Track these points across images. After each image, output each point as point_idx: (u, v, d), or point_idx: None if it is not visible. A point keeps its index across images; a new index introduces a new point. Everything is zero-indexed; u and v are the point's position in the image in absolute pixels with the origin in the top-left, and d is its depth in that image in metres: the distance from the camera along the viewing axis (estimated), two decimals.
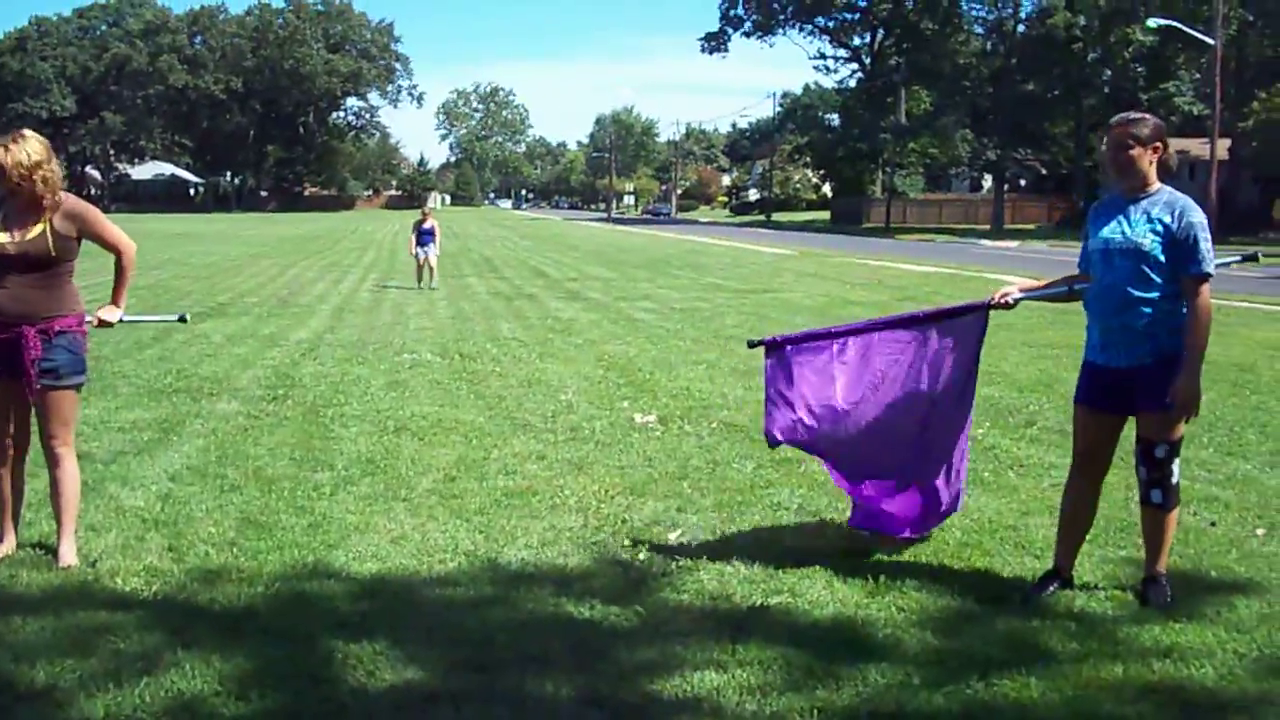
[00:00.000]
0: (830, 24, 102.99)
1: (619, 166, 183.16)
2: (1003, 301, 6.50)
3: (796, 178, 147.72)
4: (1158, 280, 5.78)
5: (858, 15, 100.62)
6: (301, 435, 10.12)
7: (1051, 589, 6.08)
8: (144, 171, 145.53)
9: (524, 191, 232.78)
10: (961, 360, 6.71)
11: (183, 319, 8.20)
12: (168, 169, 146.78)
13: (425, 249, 27.70)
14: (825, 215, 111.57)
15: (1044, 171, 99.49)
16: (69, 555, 6.46)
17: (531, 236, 67.12)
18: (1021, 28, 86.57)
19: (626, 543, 7.02)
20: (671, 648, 5.32)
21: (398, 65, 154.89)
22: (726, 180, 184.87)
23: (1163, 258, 5.76)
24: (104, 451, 9.19)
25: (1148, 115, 6.07)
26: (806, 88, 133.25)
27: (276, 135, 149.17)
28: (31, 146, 6.23)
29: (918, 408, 6.77)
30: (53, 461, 6.51)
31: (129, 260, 6.69)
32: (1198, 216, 5.78)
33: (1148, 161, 5.90)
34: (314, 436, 10.08)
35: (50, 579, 6.19)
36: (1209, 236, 5.81)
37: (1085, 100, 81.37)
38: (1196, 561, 6.70)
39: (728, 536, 7.13)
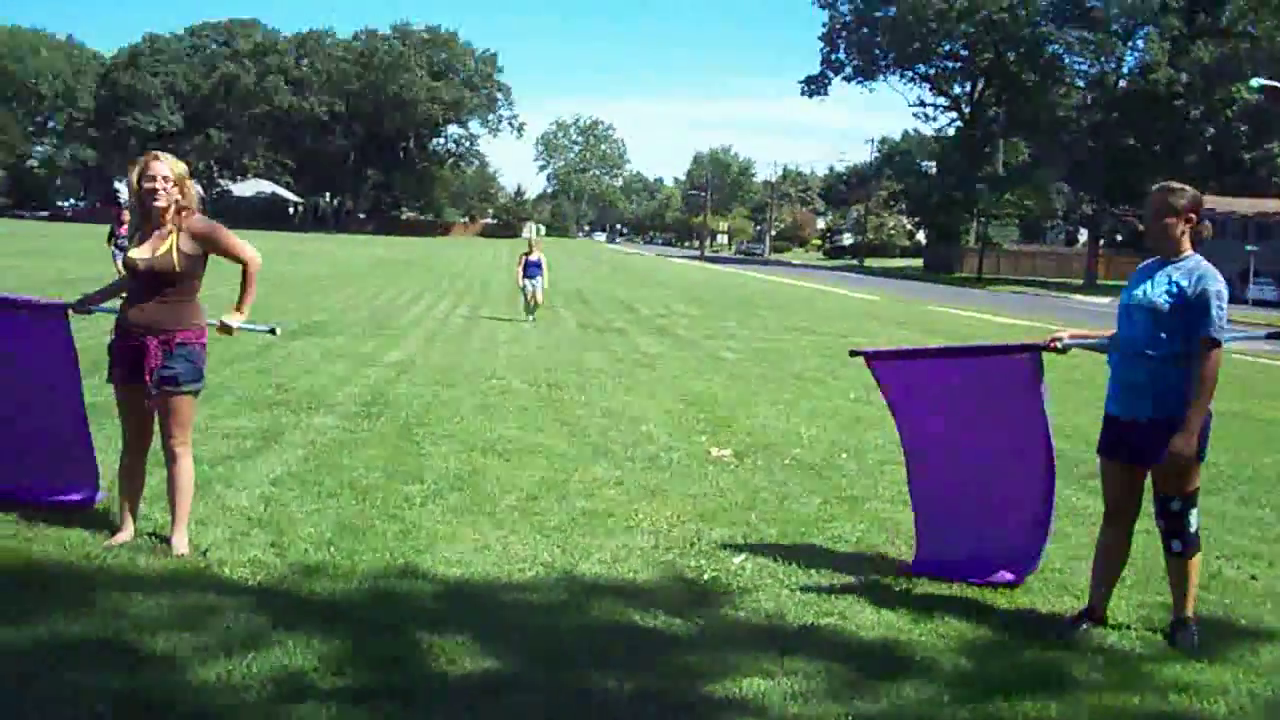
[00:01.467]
0: (931, 71, 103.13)
1: (715, 205, 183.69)
2: (1054, 345, 6.83)
3: (891, 224, 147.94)
4: (1166, 339, 6.13)
5: (959, 64, 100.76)
6: (394, 450, 10.69)
7: (1084, 626, 6.47)
8: (245, 189, 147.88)
9: (618, 226, 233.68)
10: (1023, 403, 7.02)
11: (272, 331, 8.57)
12: (268, 187, 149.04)
13: (533, 281, 27.25)
14: (918, 262, 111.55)
15: (1140, 227, 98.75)
16: (181, 545, 7.06)
17: (624, 271, 67.76)
18: (1123, 82, 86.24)
19: (693, 563, 7.50)
20: (725, 656, 5.81)
21: (499, 95, 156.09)
22: (821, 223, 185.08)
23: (1172, 318, 6.10)
24: (210, 455, 9.79)
25: (1186, 187, 6.42)
26: (905, 134, 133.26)
27: (376, 158, 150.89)
28: (173, 162, 6.91)
29: (988, 447, 7.22)
30: (170, 459, 7.12)
31: (254, 271, 7.32)
32: (1214, 285, 6.09)
33: (1180, 230, 6.26)
34: (406, 452, 10.64)
35: (165, 564, 6.79)
36: (1224, 305, 6.13)
37: (1185, 157, 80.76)
38: (1231, 610, 7.07)
39: (788, 563, 7.56)
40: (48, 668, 5.18)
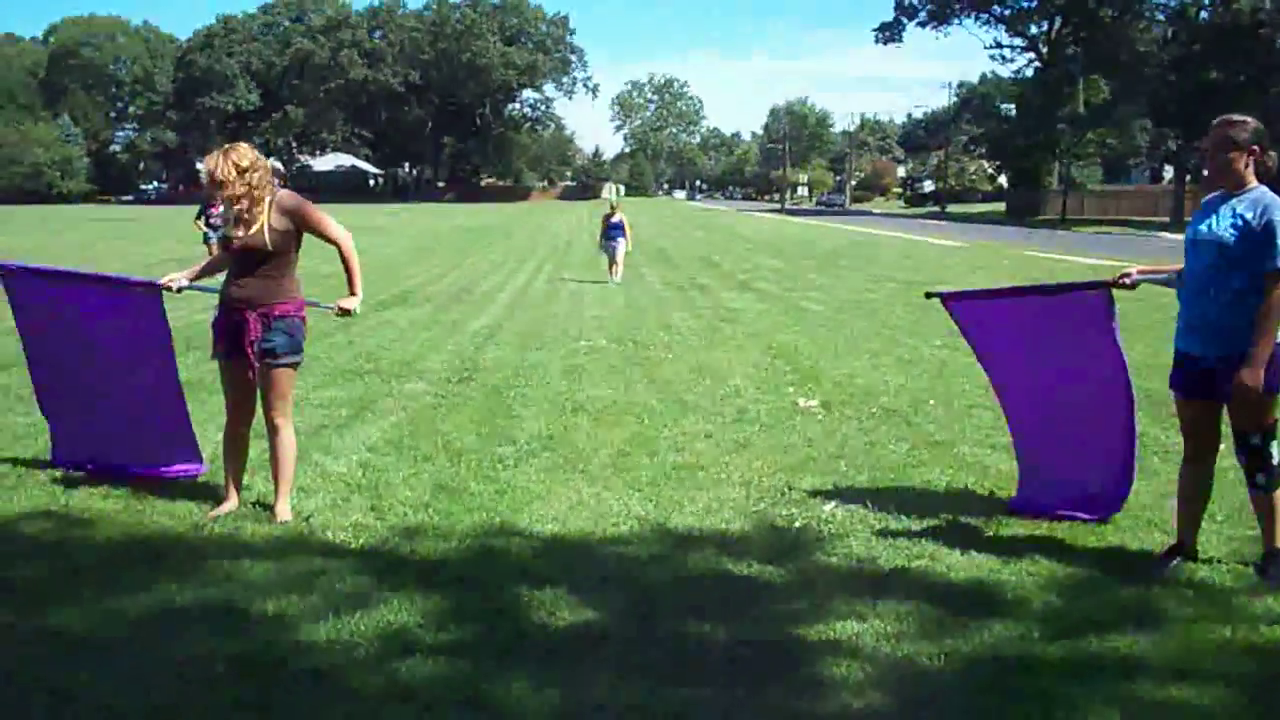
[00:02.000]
0: (1006, 12, 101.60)
1: (793, 158, 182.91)
2: (1123, 281, 6.79)
3: (972, 169, 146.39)
4: (1235, 274, 6.08)
5: (1035, 3, 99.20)
6: (485, 414, 10.87)
7: (1175, 561, 6.50)
8: (325, 163, 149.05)
9: (698, 182, 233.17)
10: (1097, 339, 7.01)
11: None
12: (348, 160, 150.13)
13: (614, 243, 27.27)
14: (1001, 207, 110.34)
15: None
16: (285, 512, 7.28)
17: (705, 227, 67.75)
18: (1205, 14, 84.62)
19: (784, 512, 7.61)
20: (817, 600, 5.92)
21: (573, 57, 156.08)
22: (901, 171, 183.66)
23: (1239, 251, 6.06)
24: (306, 425, 10.00)
25: (1248, 119, 6.38)
26: (982, 77, 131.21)
27: (453, 127, 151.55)
28: (240, 154, 7.08)
29: (1066, 383, 7.26)
30: (272, 430, 7.34)
31: (349, 250, 7.50)
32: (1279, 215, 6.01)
33: (1243, 164, 6.22)
34: (497, 415, 10.82)
35: (270, 531, 7.01)
36: None
37: (1272, 89, 79.30)
38: None
39: (878, 509, 7.65)
40: (165, 633, 5.40)
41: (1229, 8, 77.33)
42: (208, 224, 24.49)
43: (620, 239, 27.19)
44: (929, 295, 7.91)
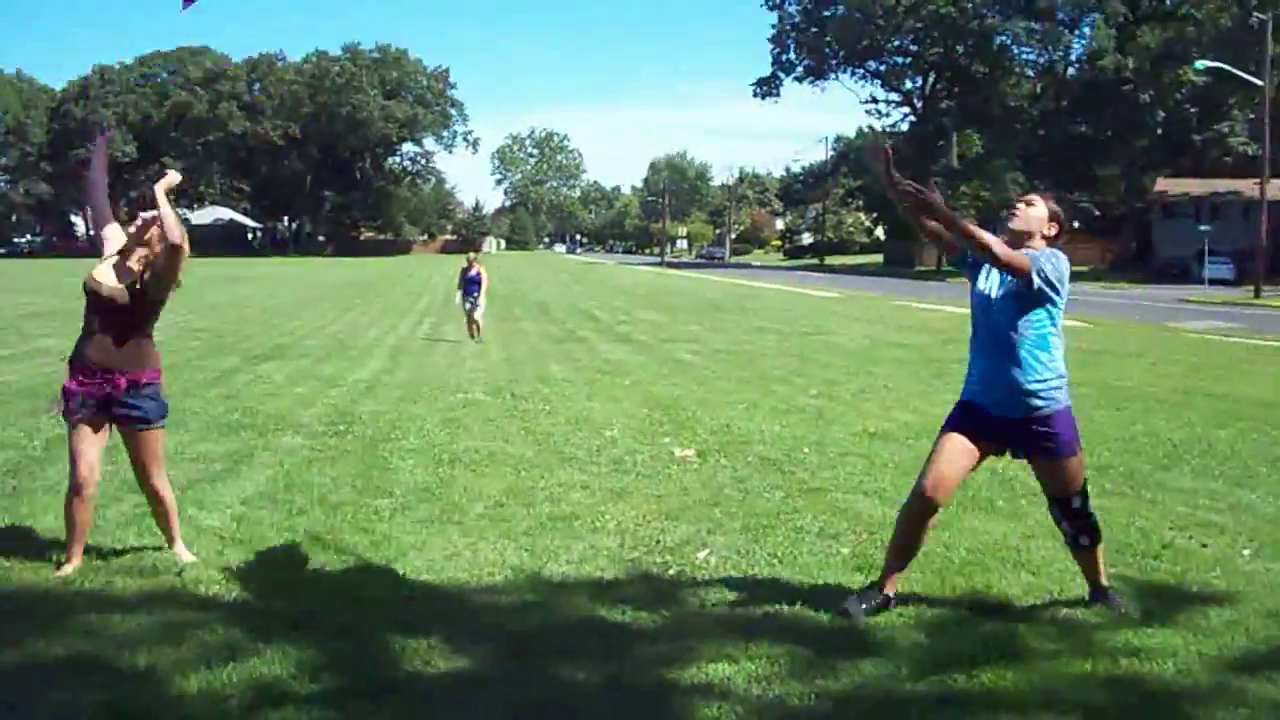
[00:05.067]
0: (881, 68, 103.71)
1: (673, 211, 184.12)
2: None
3: (850, 221, 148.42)
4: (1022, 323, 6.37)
5: (909, 59, 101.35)
6: (362, 466, 10.83)
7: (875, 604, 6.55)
8: (203, 216, 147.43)
9: (579, 236, 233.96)
10: None
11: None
12: (226, 214, 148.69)
13: (471, 298, 25.67)
14: (879, 258, 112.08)
15: (1097, 213, 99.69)
16: (185, 552, 7.46)
17: (584, 281, 67.94)
18: (1072, 70, 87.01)
19: (658, 560, 7.68)
20: (690, 644, 5.97)
21: (453, 111, 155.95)
22: (780, 224, 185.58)
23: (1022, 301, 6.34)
24: (181, 479, 9.87)
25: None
26: (859, 131, 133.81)
27: (333, 180, 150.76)
28: None
29: None
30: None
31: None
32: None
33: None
34: (373, 468, 10.78)
35: (142, 585, 6.92)
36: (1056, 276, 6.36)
37: (1137, 142, 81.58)
38: (1181, 577, 7.29)
39: (751, 554, 7.75)
40: (30, 688, 5.32)
41: (1094, 65, 79.48)
42: None
43: (477, 293, 25.64)
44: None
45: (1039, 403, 6.29)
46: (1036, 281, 6.18)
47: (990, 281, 6.48)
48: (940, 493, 6.39)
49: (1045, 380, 6.29)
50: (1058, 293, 6.32)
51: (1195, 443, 12.59)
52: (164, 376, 7.52)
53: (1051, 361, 6.33)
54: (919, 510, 6.44)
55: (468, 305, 25.85)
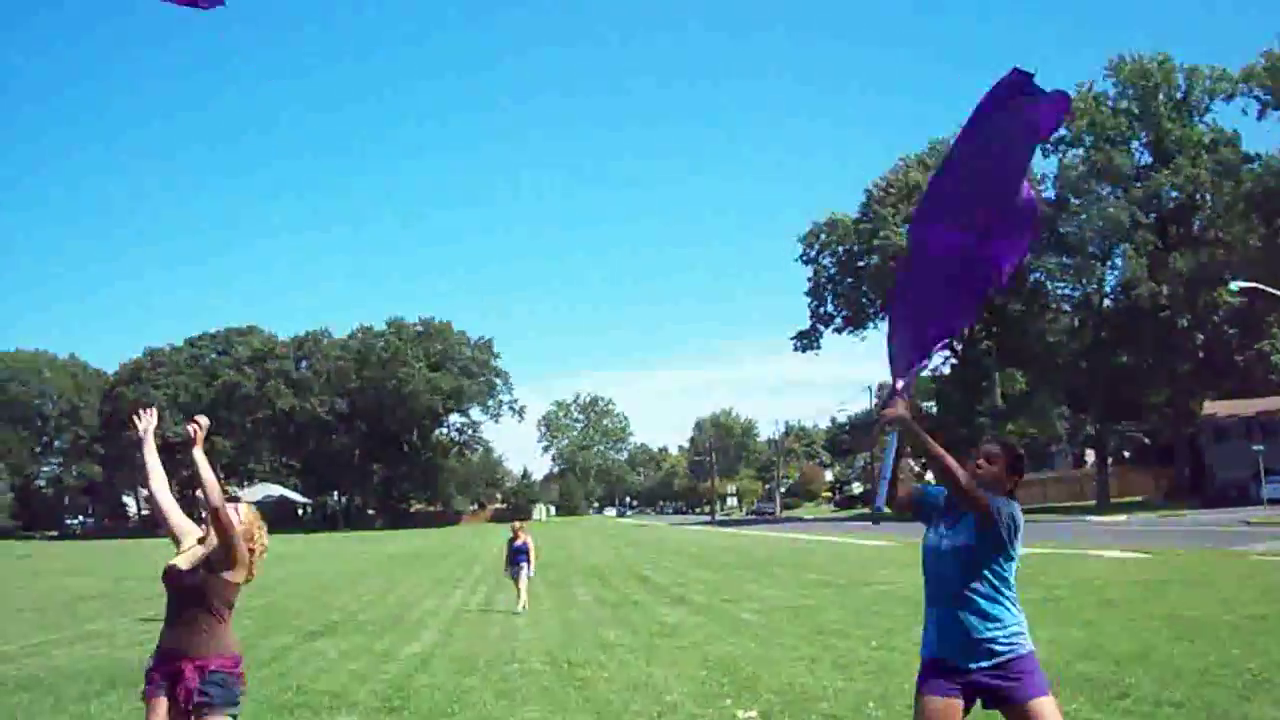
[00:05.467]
0: None
1: (721, 468, 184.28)
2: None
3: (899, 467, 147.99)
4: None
5: None
6: None
7: None
8: (253, 493, 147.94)
9: (628, 499, 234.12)
10: None
11: None
12: (276, 490, 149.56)
13: (517, 568, 25.59)
14: None
15: (1147, 441, 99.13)
16: None
17: (636, 543, 67.62)
18: (1108, 301, 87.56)
19: None
20: None
21: (498, 380, 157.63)
22: (829, 475, 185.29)
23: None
24: None
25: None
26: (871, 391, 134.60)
27: (381, 453, 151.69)
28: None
29: None
30: None
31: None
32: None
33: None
34: None
35: None
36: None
37: (1179, 367, 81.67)
38: None
39: None
40: None
41: (1129, 295, 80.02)
42: None
43: (525, 563, 25.56)
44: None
45: (1001, 648, 6.10)
46: (996, 520, 6.09)
47: (939, 533, 6.38)
48: None
49: (1005, 626, 6.13)
50: (1013, 541, 6.24)
51: (1274, 669, 12.20)
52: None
53: (1006, 612, 6.17)
54: None
55: (516, 574, 25.66)
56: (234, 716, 7.26)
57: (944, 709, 6.15)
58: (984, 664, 6.10)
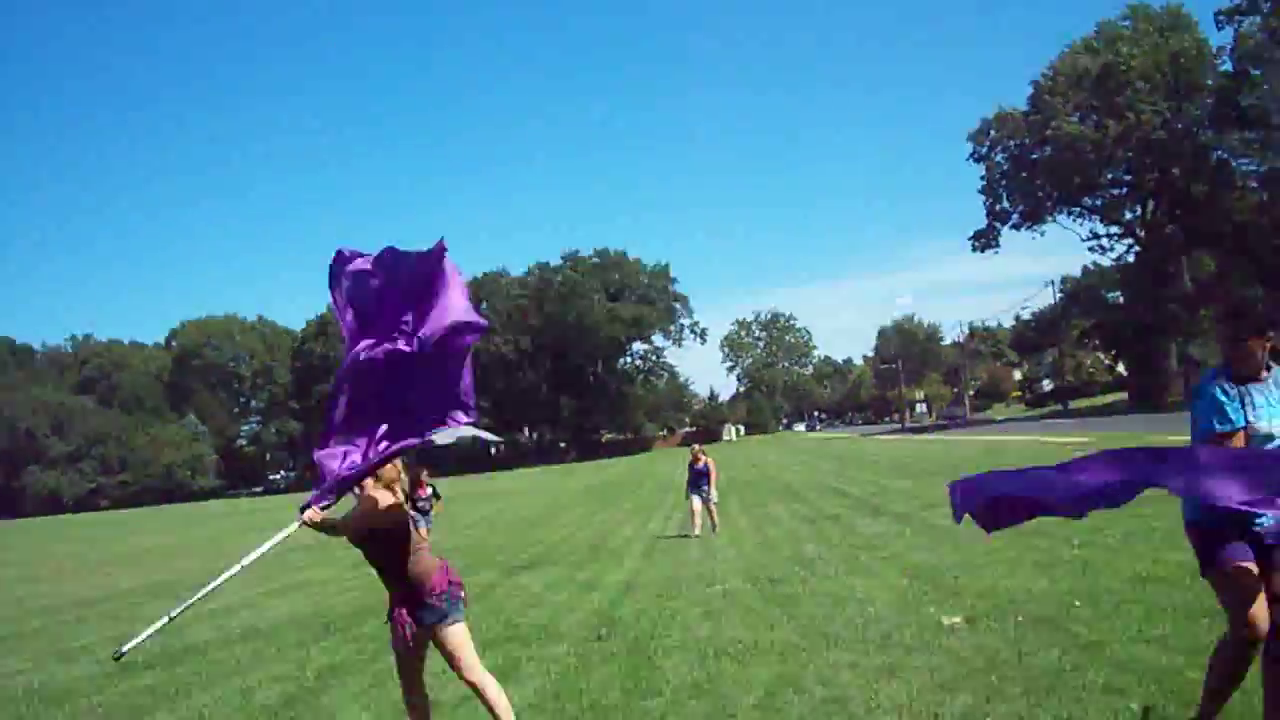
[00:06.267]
0: (1098, 203, 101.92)
1: (907, 375, 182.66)
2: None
3: (1088, 361, 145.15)
4: None
5: (1125, 189, 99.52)
6: (629, 668, 10.82)
7: None
8: (446, 436, 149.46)
9: (816, 412, 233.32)
10: None
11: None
12: (469, 431, 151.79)
13: (701, 492, 25.42)
14: (1123, 395, 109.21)
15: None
16: None
17: (828, 456, 67.50)
18: None
19: None
20: None
21: (677, 305, 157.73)
22: (1017, 374, 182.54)
23: None
24: (452, 698, 10.08)
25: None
26: (1085, 269, 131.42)
27: (568, 387, 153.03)
28: None
29: None
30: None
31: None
32: None
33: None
34: (640, 668, 10.76)
35: None
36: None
37: None
38: None
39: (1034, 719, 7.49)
40: None
41: None
42: (415, 506, 22.98)
43: (706, 486, 25.39)
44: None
45: None
46: None
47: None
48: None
49: None
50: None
51: None
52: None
53: None
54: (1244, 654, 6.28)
55: (699, 500, 25.66)
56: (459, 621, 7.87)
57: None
58: None
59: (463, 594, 7.87)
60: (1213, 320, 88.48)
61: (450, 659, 7.76)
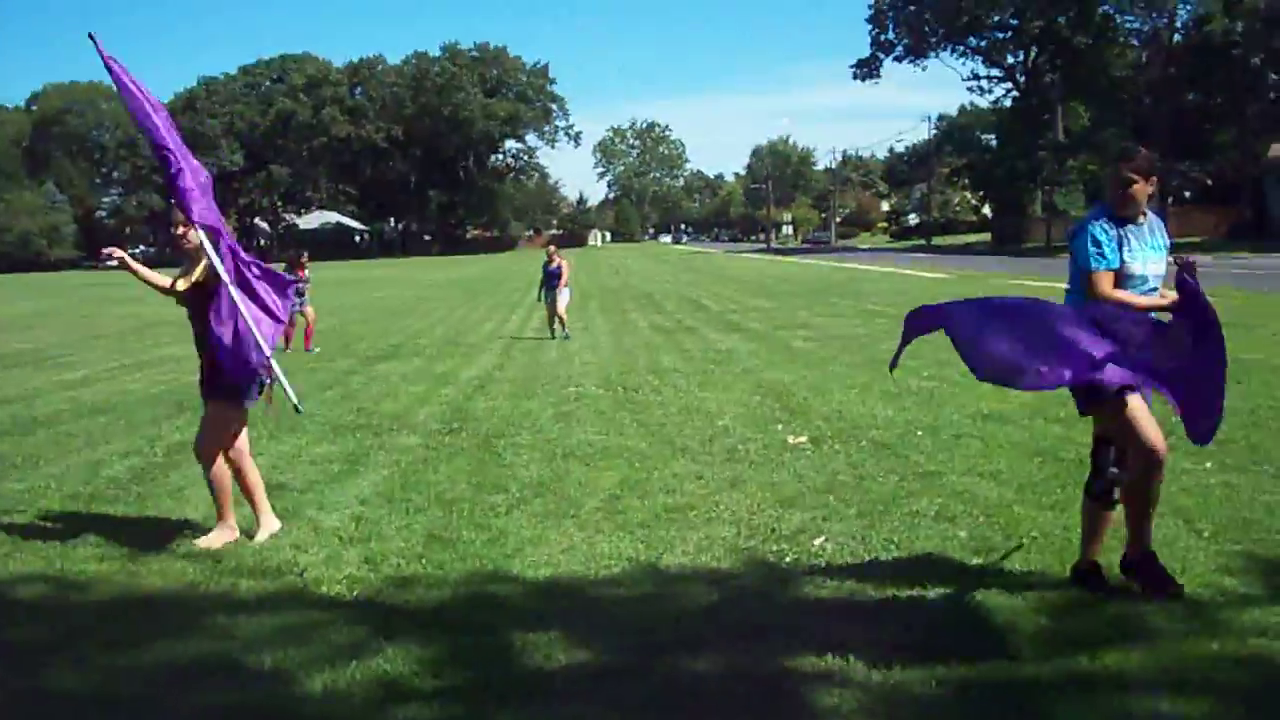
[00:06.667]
0: (982, 44, 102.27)
1: (777, 197, 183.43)
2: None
3: (956, 200, 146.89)
4: None
5: (1010, 34, 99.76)
6: (477, 463, 10.93)
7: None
8: (310, 221, 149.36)
9: (683, 225, 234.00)
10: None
11: (297, 410, 8.74)
12: (333, 217, 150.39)
13: (553, 293, 25.22)
14: (986, 237, 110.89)
15: (1209, 182, 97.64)
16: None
17: (691, 270, 67.91)
18: (1179, 37, 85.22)
19: (775, 548, 7.66)
20: (809, 632, 5.96)
21: (554, 106, 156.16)
22: (885, 206, 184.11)
23: None
24: (299, 481, 10.11)
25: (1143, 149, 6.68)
26: (962, 109, 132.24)
27: (438, 179, 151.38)
28: None
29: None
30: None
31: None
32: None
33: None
34: (489, 464, 10.88)
35: (265, 586, 7.07)
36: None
37: (1249, 107, 79.78)
38: None
39: (868, 541, 7.72)
40: (164, 688, 5.46)
41: (1201, 31, 77.81)
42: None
43: (558, 286, 25.19)
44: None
45: None
46: None
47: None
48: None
49: None
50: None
51: None
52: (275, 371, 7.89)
53: None
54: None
55: (550, 299, 25.50)
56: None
57: None
58: None
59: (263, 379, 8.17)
60: (1104, 163, 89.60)
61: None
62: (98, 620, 6.49)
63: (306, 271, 23.53)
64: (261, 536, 8.08)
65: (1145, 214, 6.55)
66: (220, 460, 8.11)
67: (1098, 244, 6.40)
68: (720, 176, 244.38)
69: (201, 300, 7.86)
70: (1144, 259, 6.47)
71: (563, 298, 25.40)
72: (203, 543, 7.94)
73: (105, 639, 6.15)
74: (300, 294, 22.53)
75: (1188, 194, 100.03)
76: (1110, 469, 6.58)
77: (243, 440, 8.25)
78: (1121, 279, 6.41)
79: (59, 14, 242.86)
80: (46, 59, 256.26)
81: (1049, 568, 6.95)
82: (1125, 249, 6.43)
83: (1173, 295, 6.31)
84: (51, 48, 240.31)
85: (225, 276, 7.69)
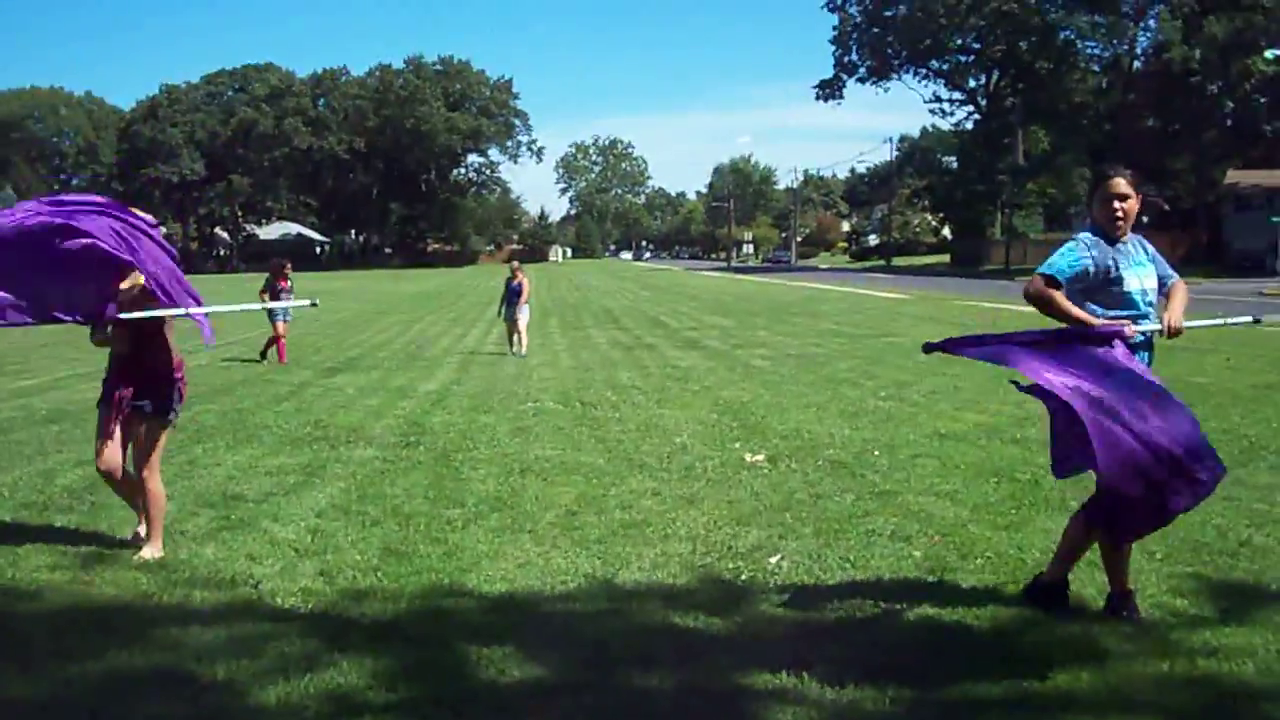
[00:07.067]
0: (944, 67, 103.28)
1: (738, 215, 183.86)
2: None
3: (916, 221, 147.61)
4: None
5: (972, 57, 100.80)
6: (434, 477, 10.90)
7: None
8: (271, 231, 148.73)
9: (644, 242, 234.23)
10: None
11: (314, 304, 9.47)
12: (294, 228, 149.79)
13: (514, 309, 25.21)
14: (946, 258, 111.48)
15: (1166, 207, 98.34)
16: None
17: (651, 287, 67.97)
18: (1138, 63, 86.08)
19: (730, 566, 7.68)
20: (763, 650, 5.97)
21: (517, 121, 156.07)
22: (846, 226, 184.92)
23: None
24: (255, 492, 10.06)
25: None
26: (924, 131, 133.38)
27: (399, 192, 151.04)
28: None
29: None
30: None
31: None
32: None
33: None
34: (445, 478, 10.85)
35: (219, 597, 7.02)
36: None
37: (1206, 134, 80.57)
38: (1259, 576, 7.21)
39: (823, 559, 7.74)
40: (115, 699, 5.41)
41: (1160, 58, 78.59)
42: (275, 298, 22.49)
43: (519, 304, 25.16)
44: (927, 349, 7.41)
45: None
46: None
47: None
48: None
49: None
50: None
51: (1273, 439, 12.43)
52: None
53: None
54: None
55: (513, 316, 25.41)
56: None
57: None
58: None
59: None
60: (1063, 186, 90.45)
61: (143, 452, 8.07)
62: (49, 630, 6.44)
63: (289, 281, 23.40)
64: (147, 554, 7.97)
65: (1126, 236, 6.60)
66: (158, 479, 8.13)
67: (1065, 253, 6.57)
68: (682, 194, 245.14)
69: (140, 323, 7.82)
70: (1139, 275, 6.52)
71: (523, 315, 25.37)
72: (147, 554, 7.87)
73: (56, 649, 6.09)
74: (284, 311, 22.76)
75: (1145, 219, 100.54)
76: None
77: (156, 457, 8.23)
78: (1119, 295, 6.44)
79: (20, 18, 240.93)
80: (4, 63, 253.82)
81: (1003, 587, 6.98)
82: (1121, 266, 6.48)
83: (1098, 322, 6.39)
84: (9, 51, 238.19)
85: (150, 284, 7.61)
